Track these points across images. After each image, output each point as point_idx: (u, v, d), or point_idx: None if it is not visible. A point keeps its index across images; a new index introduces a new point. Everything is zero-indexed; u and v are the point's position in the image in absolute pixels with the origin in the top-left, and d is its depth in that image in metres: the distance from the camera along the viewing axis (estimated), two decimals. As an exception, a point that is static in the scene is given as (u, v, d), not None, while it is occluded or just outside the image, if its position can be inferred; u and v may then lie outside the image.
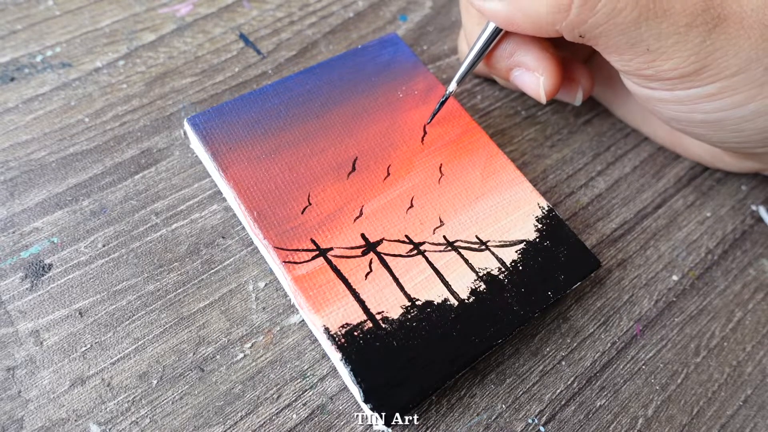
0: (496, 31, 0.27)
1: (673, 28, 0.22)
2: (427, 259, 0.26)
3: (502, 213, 0.28)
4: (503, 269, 0.26)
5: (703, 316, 0.30)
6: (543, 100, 0.27)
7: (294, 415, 0.24)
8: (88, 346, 0.24)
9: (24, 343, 0.24)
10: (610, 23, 0.22)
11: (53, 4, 0.33)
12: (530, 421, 0.25)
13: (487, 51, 0.28)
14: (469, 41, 0.29)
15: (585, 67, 0.30)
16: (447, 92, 0.29)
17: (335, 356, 0.23)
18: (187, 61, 0.33)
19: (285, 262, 0.25)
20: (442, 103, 0.29)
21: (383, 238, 0.26)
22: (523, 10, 0.23)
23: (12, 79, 0.30)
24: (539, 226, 0.27)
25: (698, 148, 0.32)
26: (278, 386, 0.24)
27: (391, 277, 0.25)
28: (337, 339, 0.23)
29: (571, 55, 0.31)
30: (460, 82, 0.29)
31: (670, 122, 0.27)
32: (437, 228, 0.27)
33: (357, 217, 0.26)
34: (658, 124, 0.33)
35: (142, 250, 0.26)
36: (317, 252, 0.25)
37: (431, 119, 0.29)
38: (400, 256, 0.26)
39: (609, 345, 0.28)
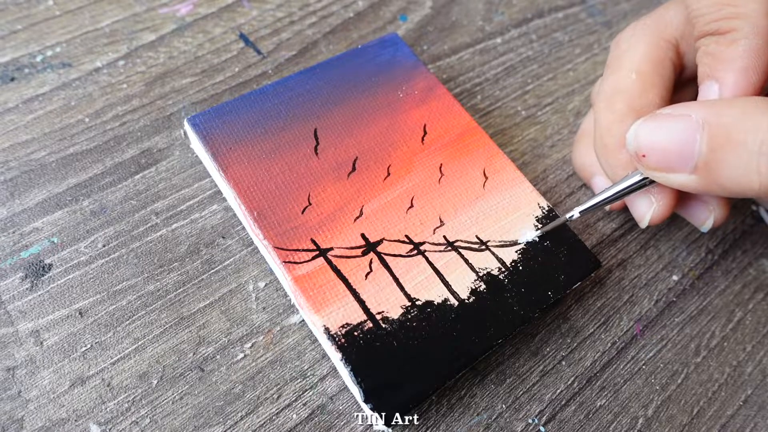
0: (646, 182, 0.25)
1: None
2: (427, 259, 0.26)
3: (503, 213, 0.28)
4: (503, 269, 0.26)
5: (704, 316, 0.30)
6: (644, 224, 0.26)
7: (294, 415, 0.24)
8: (88, 346, 0.24)
9: (24, 343, 0.24)
10: None
11: (53, 4, 0.33)
12: (530, 421, 0.25)
13: (627, 195, 0.26)
14: (607, 171, 0.27)
15: (727, 200, 0.28)
16: (567, 216, 0.27)
17: (335, 356, 0.23)
18: (187, 61, 0.33)
19: (285, 262, 0.25)
20: (557, 226, 0.27)
21: (383, 238, 0.26)
22: (723, 186, 0.21)
23: (12, 79, 0.30)
24: (539, 226, 0.27)
25: None
26: (278, 386, 0.24)
27: (391, 277, 0.25)
28: (337, 339, 0.23)
29: None
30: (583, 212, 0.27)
31: None
32: (437, 228, 0.27)
33: (357, 217, 0.26)
34: None
35: (142, 250, 0.26)
36: (317, 252, 0.25)
37: (542, 232, 0.27)
38: (400, 256, 0.26)
39: (609, 345, 0.28)
